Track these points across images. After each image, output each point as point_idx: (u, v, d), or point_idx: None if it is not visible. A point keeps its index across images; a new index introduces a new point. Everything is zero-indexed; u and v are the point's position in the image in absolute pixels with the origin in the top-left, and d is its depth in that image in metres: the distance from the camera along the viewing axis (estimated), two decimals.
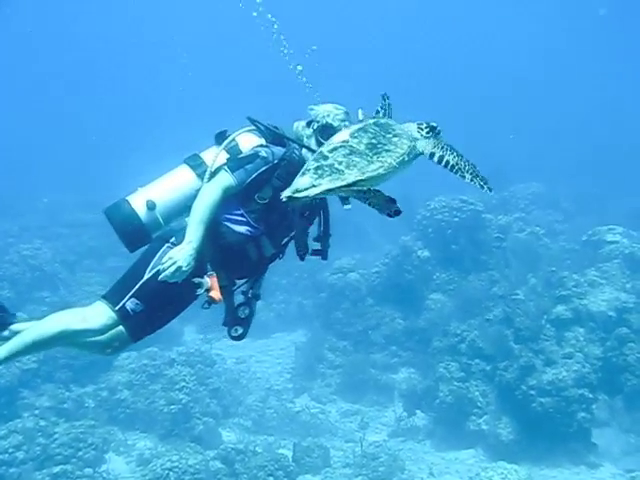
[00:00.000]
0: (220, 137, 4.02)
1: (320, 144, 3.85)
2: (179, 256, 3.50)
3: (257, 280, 4.09)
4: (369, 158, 3.30)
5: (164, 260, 3.54)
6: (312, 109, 4.09)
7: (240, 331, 3.98)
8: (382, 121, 3.49)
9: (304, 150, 3.95)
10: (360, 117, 3.92)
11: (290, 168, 3.78)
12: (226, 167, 3.80)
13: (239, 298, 4.03)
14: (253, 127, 4.05)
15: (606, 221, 16.17)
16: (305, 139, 4.03)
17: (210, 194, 3.69)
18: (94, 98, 55.69)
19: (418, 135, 3.54)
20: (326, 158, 3.23)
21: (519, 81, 48.48)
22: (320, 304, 15.62)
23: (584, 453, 10.92)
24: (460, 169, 3.53)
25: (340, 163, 3.22)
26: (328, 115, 4.01)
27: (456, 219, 15.06)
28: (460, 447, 11.54)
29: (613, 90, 47.98)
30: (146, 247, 3.91)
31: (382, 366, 13.87)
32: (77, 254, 18.47)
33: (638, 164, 29.82)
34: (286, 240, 4.03)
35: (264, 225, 3.88)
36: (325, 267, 15.71)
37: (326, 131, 3.93)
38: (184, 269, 3.51)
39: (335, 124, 3.97)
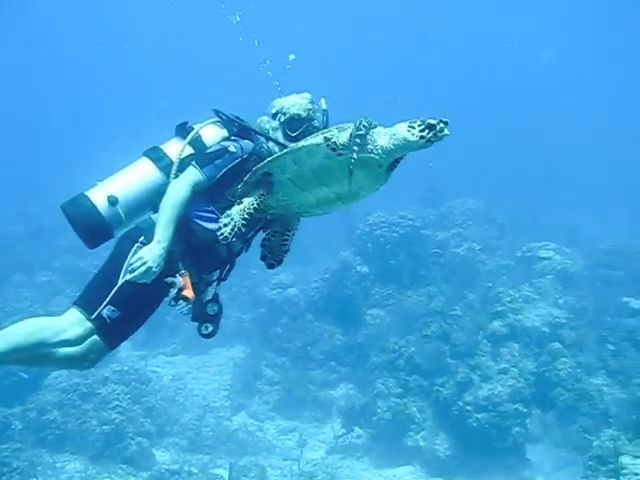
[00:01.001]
0: (181, 129, 3.88)
1: (288, 137, 3.80)
2: (148, 257, 3.36)
3: (226, 275, 3.96)
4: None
5: (132, 260, 3.41)
6: (275, 101, 3.95)
7: (210, 329, 3.85)
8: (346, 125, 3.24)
9: (271, 143, 3.83)
10: (323, 106, 3.88)
11: (260, 163, 3.66)
12: (194, 163, 3.65)
13: (207, 295, 3.90)
14: (216, 119, 3.92)
15: (540, 237, 16.60)
16: (271, 132, 3.88)
17: (179, 191, 3.54)
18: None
19: (409, 136, 3.03)
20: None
21: (455, 98, 49.44)
22: (259, 319, 15.49)
23: (518, 468, 11.07)
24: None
25: None
26: (294, 106, 3.86)
27: (395, 234, 15.19)
28: (398, 464, 11.54)
29: (548, 107, 49.35)
30: (115, 248, 3.74)
31: (321, 382, 13.81)
32: (6, 268, 17.83)
33: (570, 181, 30.83)
34: (252, 234, 3.89)
35: None
36: (264, 282, 15.60)
37: (294, 123, 3.82)
38: (154, 270, 3.37)
39: (303, 114, 3.83)
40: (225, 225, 3.48)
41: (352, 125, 3.13)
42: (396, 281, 14.86)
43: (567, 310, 13.18)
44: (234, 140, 3.80)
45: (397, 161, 3.26)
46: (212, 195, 3.71)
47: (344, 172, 3.12)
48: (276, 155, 3.43)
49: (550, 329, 12.54)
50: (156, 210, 3.67)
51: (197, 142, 3.80)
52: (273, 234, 3.72)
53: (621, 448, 8.22)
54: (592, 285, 15.29)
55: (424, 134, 3.00)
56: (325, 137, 3.18)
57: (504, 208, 21.42)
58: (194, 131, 3.81)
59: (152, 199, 3.68)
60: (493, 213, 20.15)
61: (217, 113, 3.91)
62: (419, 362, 12.17)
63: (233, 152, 3.72)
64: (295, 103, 3.88)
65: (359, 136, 3.07)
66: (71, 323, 3.56)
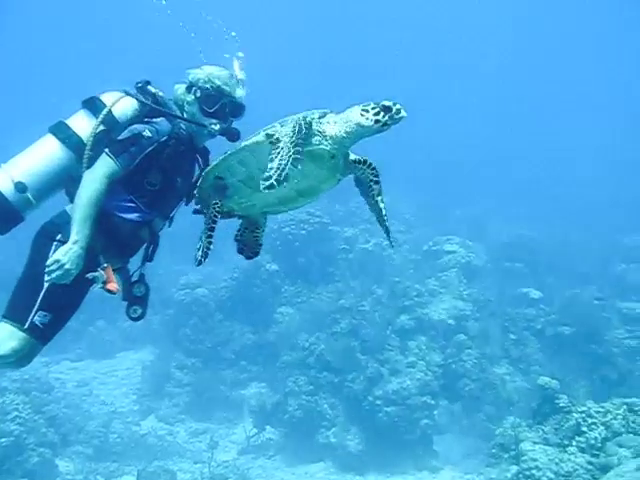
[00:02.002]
0: (90, 104, 3.57)
1: (205, 113, 3.62)
2: (66, 258, 3.16)
3: (151, 256, 3.81)
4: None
5: (49, 263, 3.19)
6: (190, 73, 3.69)
7: (139, 311, 3.73)
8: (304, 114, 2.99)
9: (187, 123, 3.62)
10: (240, 76, 3.68)
11: (179, 147, 3.51)
12: (108, 151, 3.38)
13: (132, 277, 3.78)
14: (124, 93, 3.61)
15: (446, 231, 16.99)
16: (187, 106, 3.66)
17: (93, 184, 3.29)
18: None
19: (363, 120, 2.84)
20: None
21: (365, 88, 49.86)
22: (167, 321, 15.17)
23: (427, 458, 11.33)
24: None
25: None
26: (210, 79, 3.63)
27: (303, 232, 15.20)
28: (310, 461, 11.58)
29: (456, 106, 50.52)
30: (33, 251, 3.49)
31: (232, 382, 13.69)
32: None
33: (474, 175, 31.72)
34: (175, 211, 3.78)
35: (156, 207, 3.60)
36: (171, 283, 15.29)
37: (210, 99, 3.62)
38: (72, 272, 3.19)
39: (220, 89, 3.62)
40: (197, 249, 3.38)
41: (295, 118, 2.92)
42: (306, 278, 14.89)
43: (471, 302, 13.56)
44: (148, 122, 3.55)
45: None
46: (130, 184, 3.50)
47: (294, 168, 2.87)
48: (219, 158, 3.27)
49: (455, 321, 12.89)
50: (69, 191, 3.49)
51: (108, 118, 3.52)
52: (244, 230, 3.61)
53: (521, 435, 8.51)
54: (495, 277, 15.82)
55: (379, 117, 2.83)
56: (267, 134, 2.97)
57: (411, 203, 21.78)
58: (106, 109, 3.52)
59: (63, 179, 3.48)
60: (400, 208, 20.45)
61: (127, 92, 3.62)
62: (329, 359, 12.21)
63: (149, 137, 3.47)
64: (212, 76, 3.65)
65: (300, 131, 2.86)
66: (4, 338, 3.36)
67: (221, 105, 3.64)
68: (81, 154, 3.47)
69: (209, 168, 3.38)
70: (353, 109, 2.90)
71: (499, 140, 42.46)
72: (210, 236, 3.33)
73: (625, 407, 8.01)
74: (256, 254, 3.66)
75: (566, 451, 7.78)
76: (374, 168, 3.17)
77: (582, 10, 46.29)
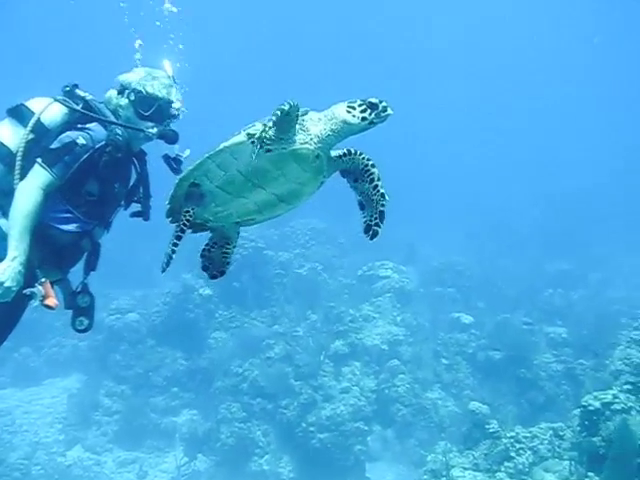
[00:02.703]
0: (15, 113, 3.44)
1: (140, 116, 3.52)
2: (5, 276, 3.02)
3: (94, 265, 3.70)
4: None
5: None
6: (121, 76, 3.60)
7: (86, 322, 3.62)
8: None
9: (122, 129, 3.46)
10: (169, 72, 3.61)
11: (116, 153, 3.38)
12: (41, 162, 3.24)
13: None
14: (54, 99, 3.48)
15: (380, 256, 17.11)
16: (120, 110, 3.55)
17: (29, 197, 3.15)
18: None
19: (350, 118, 2.73)
20: None
21: None
22: (96, 347, 14.71)
23: None
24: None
25: None
26: (143, 82, 3.54)
27: (238, 256, 15.05)
28: None
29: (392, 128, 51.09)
30: None
31: (163, 409, 13.36)
32: None
33: (409, 198, 32.15)
34: (113, 217, 3.66)
35: (95, 216, 3.48)
36: (102, 307, 14.87)
37: (145, 101, 3.52)
38: (13, 289, 3.05)
39: (155, 92, 3.54)
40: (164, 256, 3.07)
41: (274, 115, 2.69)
42: (240, 303, 14.74)
43: (405, 327, 13.71)
44: (82, 129, 3.42)
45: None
46: (66, 194, 3.38)
47: (277, 169, 2.79)
48: (196, 162, 2.97)
49: (389, 347, 12.99)
50: (0, 204, 3.33)
51: (37, 126, 3.38)
52: (212, 246, 3.34)
53: (452, 461, 8.60)
54: (428, 302, 16.03)
55: (366, 115, 2.72)
56: (248, 133, 2.75)
57: (346, 227, 21.90)
58: (35, 116, 3.39)
59: None
60: (335, 232, 20.56)
61: (55, 98, 3.50)
62: (263, 385, 12.12)
63: (83, 144, 3.35)
64: (146, 78, 3.58)
65: (283, 124, 2.66)
66: None
67: (157, 107, 3.57)
68: (11, 165, 3.32)
69: (184, 174, 3.01)
70: (338, 106, 2.79)
71: (437, 162, 43.33)
72: (176, 245, 3.05)
73: (551, 432, 8.21)
74: (222, 274, 3.38)
75: (495, 476, 7.91)
76: (362, 153, 2.99)
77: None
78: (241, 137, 2.78)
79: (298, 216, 20.66)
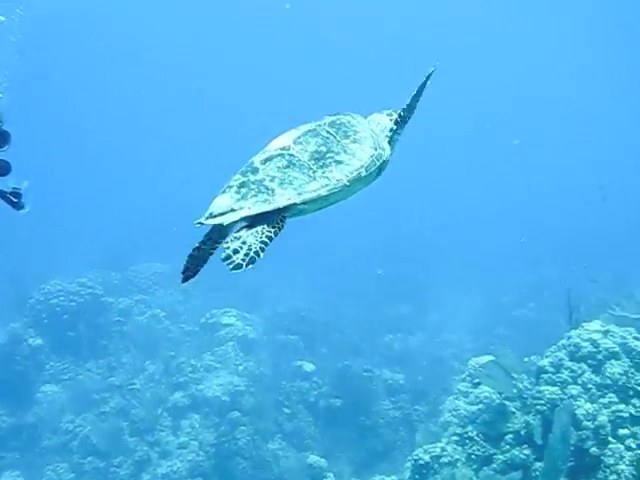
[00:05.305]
0: None
1: None
2: None
3: None
4: (311, 173, 2.75)
5: None
6: None
7: None
8: (343, 119, 2.85)
9: None
10: None
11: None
12: None
13: None
14: None
15: (225, 301, 16.92)
16: None
17: None
18: None
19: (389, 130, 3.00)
20: (256, 171, 2.66)
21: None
22: None
23: None
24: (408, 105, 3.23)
25: (272, 179, 2.66)
26: None
27: (73, 304, 14.33)
28: None
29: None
30: None
31: None
32: None
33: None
34: None
35: None
36: None
37: None
38: None
39: None
40: (235, 251, 2.76)
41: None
42: (74, 353, 13.97)
43: (247, 377, 13.54)
44: None
45: None
46: None
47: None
48: (317, 194, 2.82)
49: (230, 398, 12.75)
50: None
51: None
52: (206, 242, 3.13)
53: None
54: (271, 349, 15.97)
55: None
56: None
57: None
58: None
59: None
60: (179, 277, 20.07)
61: None
62: (95, 442, 11.50)
63: None
64: None
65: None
66: None
67: None
68: None
69: (295, 200, 2.82)
70: (377, 116, 3.23)
71: None
72: (265, 243, 2.82)
73: None
74: (196, 273, 3.22)
75: None
76: (399, 115, 3.24)
77: None
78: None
79: (141, 259, 20.08)
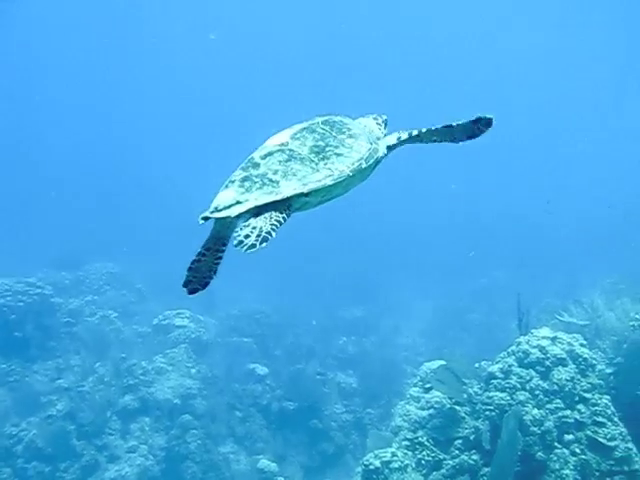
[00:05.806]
0: None
1: None
2: None
3: None
4: (313, 165, 2.84)
5: None
6: None
7: None
8: (335, 119, 3.00)
9: None
10: None
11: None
12: None
13: None
14: None
15: (178, 302, 16.68)
16: None
17: None
18: None
19: (379, 132, 3.13)
20: (257, 166, 2.73)
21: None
22: None
23: None
24: (431, 130, 3.23)
25: (275, 172, 2.74)
26: None
27: (21, 304, 13.95)
28: None
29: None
30: None
31: None
32: None
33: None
34: None
35: None
36: None
37: None
38: None
39: None
40: (247, 236, 2.80)
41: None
42: (22, 355, 13.58)
43: (199, 380, 13.39)
44: None
45: None
46: None
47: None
48: (320, 185, 2.93)
49: (181, 400, 12.60)
50: None
51: None
52: (206, 251, 3.09)
53: None
54: (224, 352, 15.83)
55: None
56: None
57: (145, 271, 21.19)
58: None
59: None
60: (132, 277, 19.82)
61: None
62: (41, 446, 11.21)
63: None
64: None
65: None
66: None
67: None
68: None
69: (301, 190, 2.91)
70: (364, 120, 3.38)
71: None
72: (274, 226, 2.88)
73: None
74: (205, 285, 3.18)
75: None
76: (399, 137, 3.36)
77: None
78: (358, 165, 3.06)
79: (93, 259, 19.72)
